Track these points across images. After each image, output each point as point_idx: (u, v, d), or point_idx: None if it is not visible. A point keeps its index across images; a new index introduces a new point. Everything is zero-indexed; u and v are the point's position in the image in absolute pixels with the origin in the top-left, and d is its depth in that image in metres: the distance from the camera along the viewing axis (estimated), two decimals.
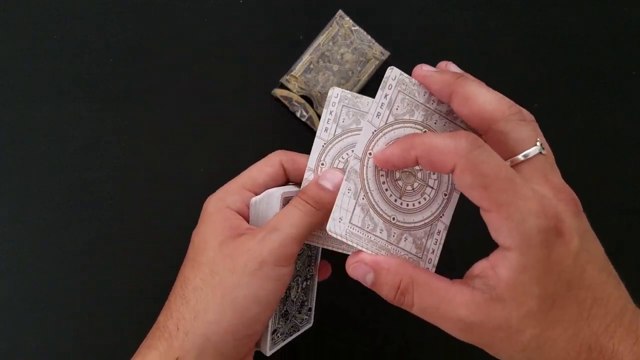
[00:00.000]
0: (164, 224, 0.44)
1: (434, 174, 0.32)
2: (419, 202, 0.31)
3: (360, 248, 0.30)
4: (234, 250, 0.30)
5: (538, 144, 0.27)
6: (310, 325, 0.37)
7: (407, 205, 0.31)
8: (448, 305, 0.26)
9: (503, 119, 0.27)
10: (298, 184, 0.36)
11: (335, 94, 0.33)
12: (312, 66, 0.45)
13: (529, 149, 0.27)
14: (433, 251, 0.32)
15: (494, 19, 0.46)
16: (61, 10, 0.44)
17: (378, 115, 0.30)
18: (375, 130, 0.30)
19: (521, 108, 0.29)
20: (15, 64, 0.44)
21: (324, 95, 0.44)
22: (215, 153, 0.45)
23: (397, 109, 0.31)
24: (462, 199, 0.33)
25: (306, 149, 0.45)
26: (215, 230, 0.31)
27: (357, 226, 0.30)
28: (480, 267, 0.27)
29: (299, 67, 0.44)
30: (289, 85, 0.44)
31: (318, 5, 0.45)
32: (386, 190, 0.31)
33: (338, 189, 0.30)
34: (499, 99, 0.28)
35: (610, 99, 0.46)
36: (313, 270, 0.37)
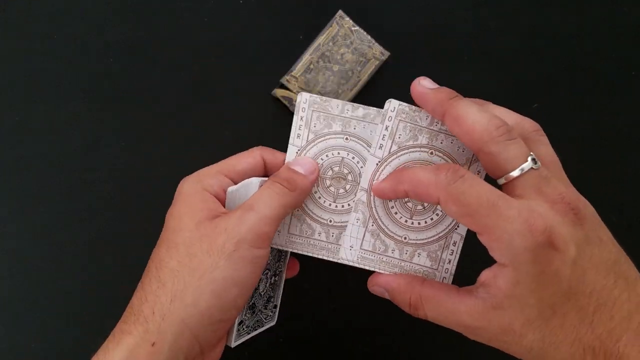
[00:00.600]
0: (163, 224, 0.44)
1: None
2: (431, 219, 0.33)
3: (374, 270, 0.33)
4: (211, 230, 0.29)
5: (529, 159, 0.28)
6: (273, 323, 0.37)
7: (419, 223, 0.33)
8: (454, 315, 0.29)
9: (491, 140, 0.28)
10: None
11: (304, 99, 0.34)
12: (312, 66, 0.45)
13: (518, 167, 0.28)
14: (450, 261, 0.33)
15: (494, 19, 0.46)
16: (61, 10, 0.44)
17: (381, 147, 0.32)
18: (379, 162, 0.32)
19: (513, 125, 0.29)
20: (15, 64, 0.44)
21: (324, 95, 0.44)
22: (215, 153, 0.45)
23: (399, 137, 0.32)
24: None
25: None
26: (191, 211, 0.30)
27: (368, 250, 0.33)
28: (485, 275, 0.29)
29: (299, 67, 0.44)
30: (289, 85, 0.44)
31: (318, 5, 0.45)
32: (395, 213, 0.33)
33: (309, 173, 0.32)
34: (488, 120, 0.28)
35: (610, 99, 0.46)
36: (282, 267, 0.36)
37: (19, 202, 0.43)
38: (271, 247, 0.32)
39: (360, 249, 0.33)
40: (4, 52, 0.44)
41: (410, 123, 0.32)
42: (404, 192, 0.30)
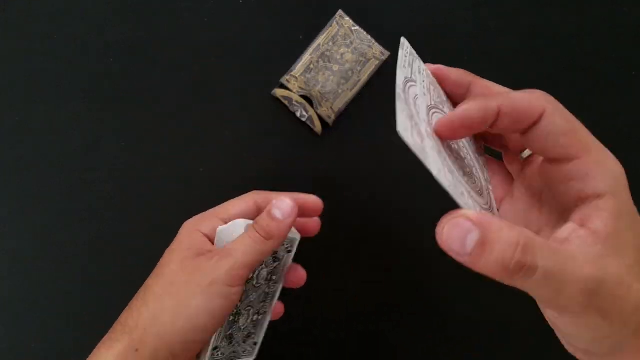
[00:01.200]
0: (163, 224, 0.44)
1: (473, 166, 0.30)
2: (477, 186, 0.29)
3: (463, 206, 0.25)
4: (192, 267, 0.34)
5: None
6: (252, 358, 0.39)
7: (473, 184, 0.28)
8: (574, 263, 0.23)
9: None
10: None
11: (406, 45, 0.30)
12: (312, 66, 0.45)
13: None
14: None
15: (494, 19, 0.46)
16: (61, 10, 0.44)
17: (424, 95, 0.28)
18: (428, 106, 0.28)
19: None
20: (15, 64, 0.44)
21: (324, 95, 0.44)
22: (215, 153, 0.45)
23: (434, 96, 0.29)
24: None
25: (306, 148, 0.45)
26: (180, 249, 0.35)
27: (452, 184, 0.25)
28: (566, 231, 0.25)
29: (299, 67, 0.44)
30: (289, 85, 0.44)
31: (318, 5, 0.45)
32: (454, 163, 0.27)
33: (288, 218, 0.33)
34: (510, 89, 0.29)
35: (610, 99, 0.46)
36: (267, 307, 0.38)
37: (19, 202, 0.43)
38: (257, 288, 0.37)
39: (454, 177, 0.26)
40: (4, 52, 0.44)
41: (437, 89, 0.30)
42: (495, 112, 0.26)
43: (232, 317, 0.36)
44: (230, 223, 0.35)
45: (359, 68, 0.45)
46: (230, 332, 0.37)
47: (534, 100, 0.25)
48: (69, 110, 0.44)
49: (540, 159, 0.28)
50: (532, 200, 0.29)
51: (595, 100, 0.46)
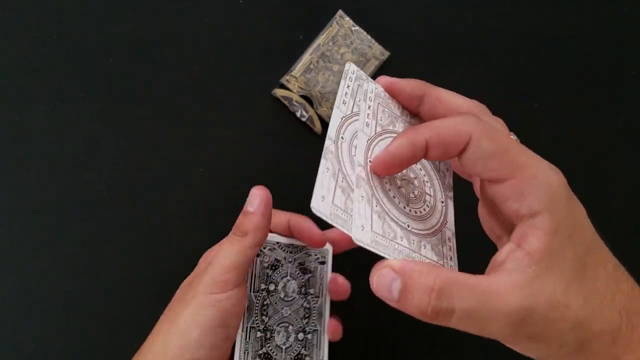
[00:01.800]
0: (164, 224, 0.44)
1: (427, 181, 0.31)
2: (424, 209, 0.30)
3: (387, 256, 0.28)
4: (186, 287, 0.34)
5: (513, 135, 0.29)
6: None
7: (416, 212, 0.30)
8: (496, 299, 0.23)
9: (477, 114, 0.28)
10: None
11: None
12: (312, 66, 0.45)
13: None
14: (451, 258, 0.30)
15: (494, 19, 0.46)
16: (61, 10, 0.44)
17: (367, 125, 0.30)
18: (369, 139, 0.30)
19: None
20: (15, 64, 0.44)
21: (324, 95, 0.44)
22: (215, 153, 0.45)
23: (381, 120, 0.30)
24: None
25: (306, 148, 0.45)
26: (192, 275, 0.35)
27: (379, 234, 0.28)
28: (504, 252, 0.25)
29: (299, 67, 0.44)
30: (289, 85, 0.44)
31: (318, 5, 0.45)
32: (393, 197, 0.30)
33: (258, 208, 0.33)
34: (468, 100, 0.29)
35: (610, 99, 0.46)
36: (317, 325, 0.37)
37: (19, 202, 0.43)
38: (290, 302, 0.36)
39: (372, 231, 0.27)
40: (4, 52, 0.44)
41: (387, 109, 0.31)
42: (424, 146, 0.26)
43: (259, 334, 0.35)
44: None
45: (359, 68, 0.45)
46: (263, 351, 0.36)
47: (459, 126, 0.26)
48: (69, 110, 0.44)
49: None
50: (491, 208, 0.29)
51: (595, 100, 0.46)
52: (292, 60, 0.45)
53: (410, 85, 0.31)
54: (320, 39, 0.45)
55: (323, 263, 0.37)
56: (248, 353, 0.35)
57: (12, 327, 0.42)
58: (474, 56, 0.46)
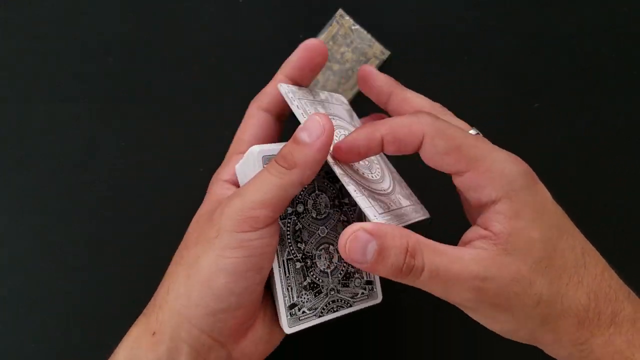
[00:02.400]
0: (163, 224, 0.44)
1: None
2: (377, 174, 0.32)
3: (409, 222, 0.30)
4: (204, 222, 0.29)
5: (473, 130, 0.30)
6: (376, 301, 0.33)
7: (376, 176, 0.31)
8: (460, 263, 0.25)
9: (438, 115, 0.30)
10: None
11: (287, 90, 0.31)
12: None
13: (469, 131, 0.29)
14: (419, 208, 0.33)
15: (494, 19, 0.46)
16: (61, 10, 0.44)
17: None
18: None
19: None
20: (15, 64, 0.44)
21: None
22: (215, 153, 0.44)
23: (309, 113, 0.30)
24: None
25: None
26: (201, 208, 0.31)
27: (386, 212, 0.28)
28: (470, 234, 0.27)
29: None
30: None
31: (318, 4, 0.45)
32: (362, 173, 0.31)
33: (318, 139, 0.27)
34: (430, 101, 0.32)
35: (610, 99, 0.46)
36: None
37: (19, 202, 0.43)
38: (325, 220, 0.31)
39: (380, 214, 0.28)
40: (4, 52, 0.44)
41: (307, 99, 0.31)
42: (379, 142, 0.27)
43: (299, 264, 0.31)
44: (245, 155, 0.30)
45: (359, 67, 0.45)
46: (307, 281, 0.31)
47: (413, 125, 0.27)
48: (69, 110, 0.44)
49: None
50: (463, 196, 0.32)
51: (595, 100, 0.46)
52: None
53: (380, 81, 0.33)
54: (320, 38, 0.45)
55: None
56: (292, 289, 0.30)
57: (12, 327, 0.42)
58: (474, 56, 0.46)
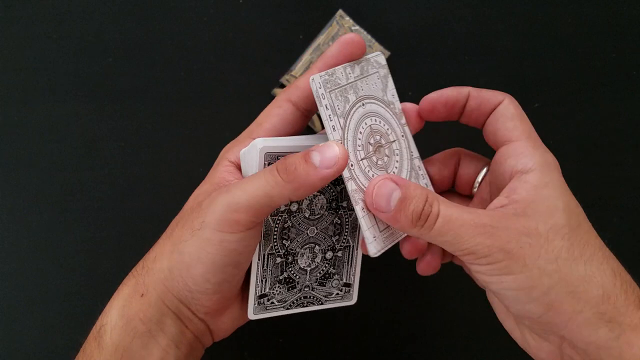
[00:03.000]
0: (163, 224, 0.44)
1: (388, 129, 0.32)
2: (386, 157, 0.31)
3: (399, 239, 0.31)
4: (196, 205, 0.29)
5: None
6: (350, 302, 0.34)
7: (379, 162, 0.31)
8: (473, 214, 0.26)
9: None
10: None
11: (317, 83, 0.29)
12: (312, 66, 0.45)
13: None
14: (427, 185, 0.34)
15: (494, 19, 0.46)
16: (60, 10, 0.44)
17: (334, 129, 0.29)
18: (340, 141, 0.29)
19: None
20: (15, 64, 0.44)
21: None
22: (215, 153, 0.44)
23: (339, 109, 0.29)
24: None
25: None
26: (203, 185, 0.32)
27: (385, 229, 0.30)
28: (492, 204, 0.28)
29: (299, 67, 0.44)
30: None
31: (318, 5, 0.45)
32: (372, 176, 0.30)
33: (325, 167, 0.26)
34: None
35: (610, 99, 0.46)
36: (350, 241, 0.33)
37: (19, 202, 0.43)
38: (317, 221, 0.31)
39: (380, 232, 0.29)
40: (4, 52, 0.44)
41: (337, 89, 0.29)
42: (467, 93, 0.31)
43: (279, 259, 0.31)
44: (250, 144, 0.29)
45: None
46: (284, 276, 0.31)
47: (497, 93, 0.30)
48: (69, 110, 0.44)
49: (487, 188, 0.32)
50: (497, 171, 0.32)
51: (596, 100, 0.46)
52: (292, 60, 0.45)
53: (452, 90, 0.32)
54: (320, 39, 0.45)
55: None
56: (266, 281, 0.30)
57: (12, 327, 0.42)
58: (474, 56, 0.46)
